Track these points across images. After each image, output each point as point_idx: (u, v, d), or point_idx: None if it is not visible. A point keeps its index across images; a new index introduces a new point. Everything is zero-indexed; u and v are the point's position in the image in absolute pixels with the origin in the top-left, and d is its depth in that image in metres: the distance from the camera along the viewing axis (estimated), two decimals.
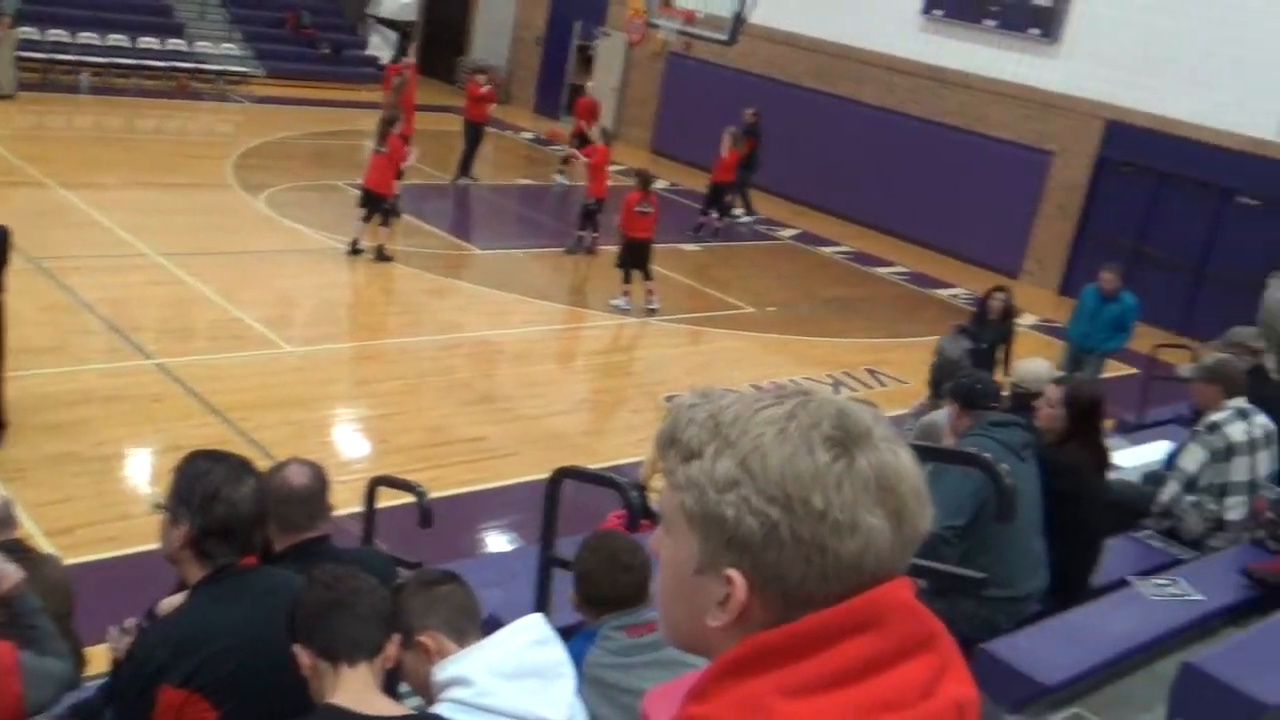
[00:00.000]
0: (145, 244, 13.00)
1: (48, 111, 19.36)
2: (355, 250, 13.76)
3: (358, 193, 14.27)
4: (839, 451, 1.13)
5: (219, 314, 11.47)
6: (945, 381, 6.57)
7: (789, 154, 19.13)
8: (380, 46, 26.28)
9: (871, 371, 12.33)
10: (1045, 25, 16.93)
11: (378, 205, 13.86)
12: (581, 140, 17.83)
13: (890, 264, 17.48)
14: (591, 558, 3.38)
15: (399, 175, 14.42)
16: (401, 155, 14.17)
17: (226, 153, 18.04)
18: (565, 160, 19.17)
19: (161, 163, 17.12)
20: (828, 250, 17.88)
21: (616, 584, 3.29)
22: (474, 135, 18.36)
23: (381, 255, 13.79)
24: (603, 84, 23.99)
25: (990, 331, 10.47)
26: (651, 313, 13.30)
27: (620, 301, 13.37)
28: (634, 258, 13.35)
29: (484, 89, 18.29)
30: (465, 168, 18.34)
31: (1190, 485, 6.05)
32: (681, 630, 1.24)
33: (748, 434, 1.16)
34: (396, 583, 2.89)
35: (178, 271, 12.38)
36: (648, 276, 13.43)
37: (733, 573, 1.14)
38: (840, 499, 1.12)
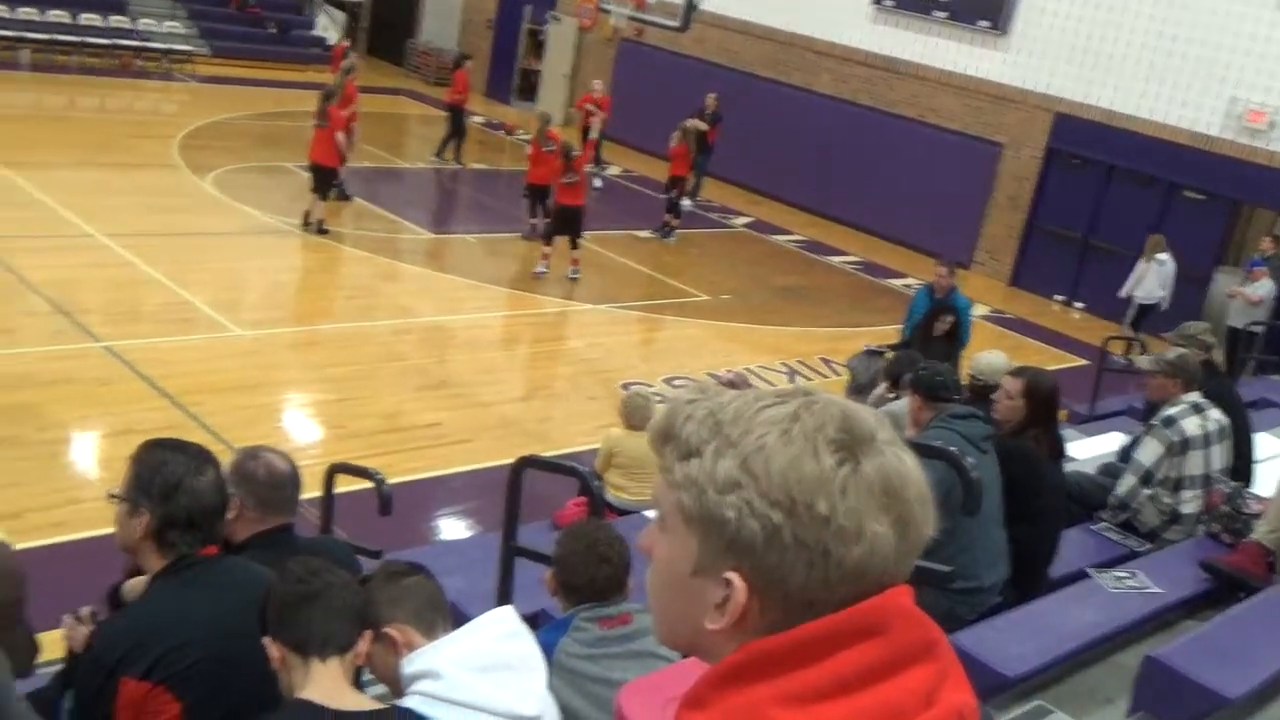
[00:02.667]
0: (91, 225, 12.77)
1: None
2: (308, 224, 13.77)
3: (308, 174, 14.13)
4: (844, 456, 1.11)
5: (167, 296, 11.29)
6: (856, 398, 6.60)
7: (743, 142, 19.15)
8: (328, 27, 25.97)
9: (825, 360, 12.39)
10: (994, 17, 17.06)
11: (327, 179, 13.82)
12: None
13: (842, 253, 17.56)
14: (571, 545, 3.37)
15: (343, 158, 14.35)
16: (340, 125, 14.08)
17: (172, 132, 17.75)
18: (598, 161, 19.16)
19: (106, 142, 16.82)
20: (781, 239, 17.93)
21: (593, 575, 3.27)
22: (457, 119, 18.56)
23: (320, 229, 13.82)
24: (553, 70, 23.88)
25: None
26: (573, 282, 13.61)
27: (540, 268, 13.71)
28: (563, 224, 13.61)
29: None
30: (445, 149, 18.52)
31: (1147, 479, 6.13)
32: (676, 631, 1.22)
33: (750, 434, 1.13)
34: (361, 574, 2.85)
35: (124, 253, 12.17)
36: (574, 245, 13.67)
37: (732, 575, 1.12)
38: (846, 505, 1.10)
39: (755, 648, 1.11)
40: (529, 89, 24.66)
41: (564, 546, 3.40)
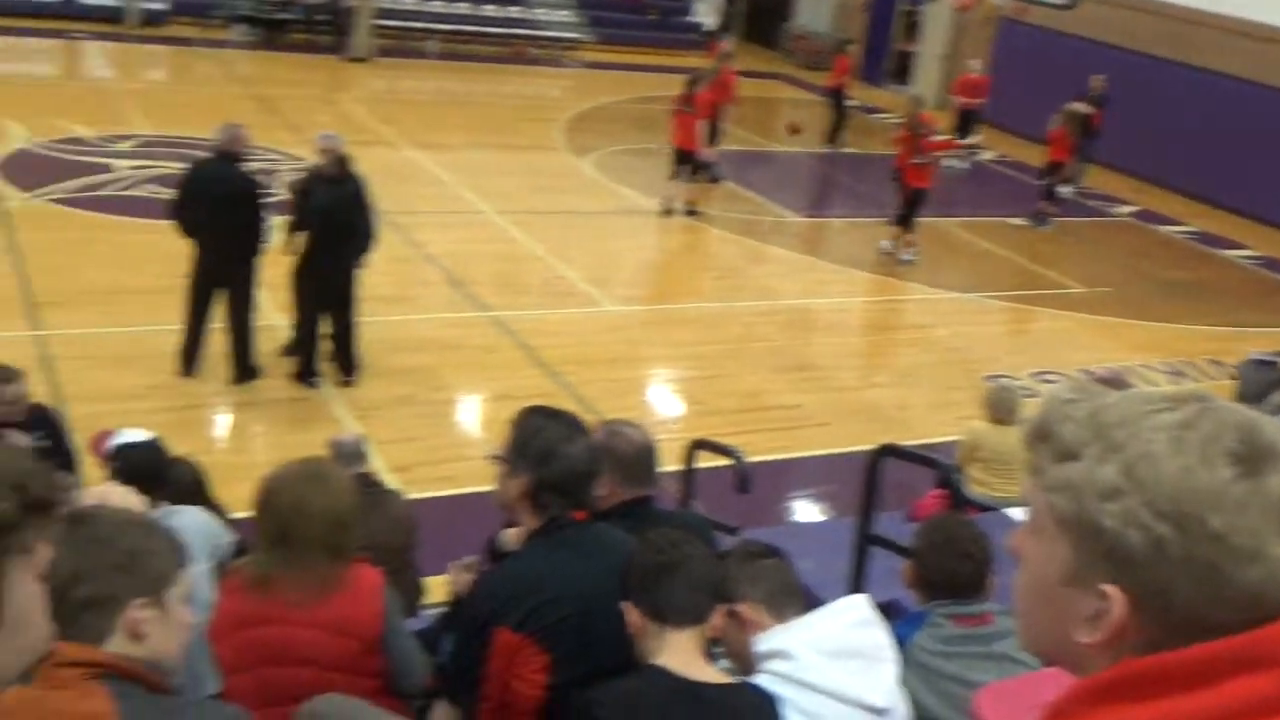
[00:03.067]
0: (484, 202, 13.73)
1: (399, 76, 20.70)
2: (671, 210, 14.16)
3: (675, 159, 14.55)
4: (1245, 469, 1.02)
5: (548, 271, 11.97)
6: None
7: (1131, 127, 17.94)
8: (706, 13, 26.53)
9: (1215, 362, 11.46)
10: None
11: (691, 162, 14.18)
12: (965, 120, 17.50)
13: (1240, 246, 16.15)
14: (932, 539, 3.30)
15: (714, 140, 14.66)
16: (706, 111, 14.35)
17: (557, 116, 18.74)
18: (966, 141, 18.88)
19: (498, 125, 17.99)
20: (1169, 229, 16.72)
21: (953, 570, 3.19)
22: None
23: (689, 210, 14.13)
24: (929, 51, 23.31)
25: None
26: (907, 264, 13.42)
27: (907, 254, 13.56)
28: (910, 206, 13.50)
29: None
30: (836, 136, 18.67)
31: None
32: (1042, 640, 1.16)
33: (1137, 439, 1.06)
34: (720, 550, 2.91)
35: (511, 229, 13.00)
36: (909, 229, 13.49)
37: (1110, 589, 1.05)
38: (1244, 523, 1.01)
39: (1132, 667, 1.04)
40: (902, 71, 24.21)
41: (924, 540, 3.33)
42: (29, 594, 1.17)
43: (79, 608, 1.90)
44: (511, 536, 3.50)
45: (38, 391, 6.45)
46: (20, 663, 1.18)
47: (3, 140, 13.68)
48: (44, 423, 5.97)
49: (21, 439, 5.75)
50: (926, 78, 22.84)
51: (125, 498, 2.19)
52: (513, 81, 21.53)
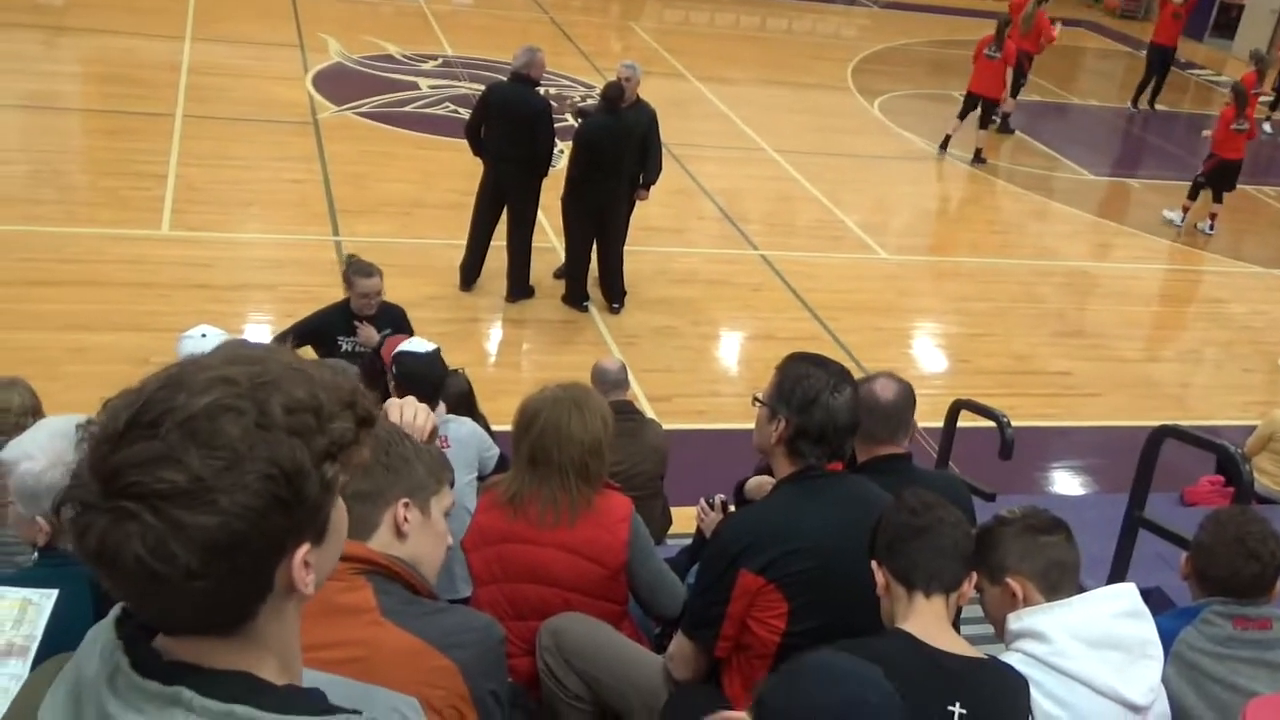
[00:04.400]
0: (763, 139, 13.64)
1: (694, 7, 20.74)
2: (979, 159, 13.77)
3: (971, 105, 14.03)
4: None
5: (821, 213, 11.80)
6: None
7: None
8: None
9: None
10: None
11: (988, 110, 13.69)
12: None
13: None
14: (1217, 533, 3.07)
15: (1015, 90, 14.06)
16: (1011, 58, 13.80)
17: (848, 56, 18.37)
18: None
19: (787, 62, 17.78)
20: None
21: (1237, 569, 2.97)
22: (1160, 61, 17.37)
23: (976, 158, 13.77)
24: (1261, 4, 21.48)
25: None
26: (1205, 236, 12.61)
27: (1174, 215, 12.82)
28: (1218, 176, 12.56)
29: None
30: (1142, 96, 17.55)
31: None
32: None
33: None
34: (1000, 515, 2.78)
35: (789, 168, 12.87)
36: (1218, 199, 12.60)
37: None
38: None
39: None
40: (1229, 25, 22.41)
41: (1209, 533, 3.10)
42: (341, 506, 1.24)
43: (350, 499, 2.00)
44: (763, 484, 3.49)
45: (329, 294, 6.87)
46: (332, 568, 1.25)
47: (320, 54, 14.54)
48: (393, 320, 6.41)
49: (371, 333, 6.23)
50: (1256, 32, 21.07)
51: (422, 411, 2.30)
52: (807, 18, 21.20)
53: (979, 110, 13.93)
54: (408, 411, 2.26)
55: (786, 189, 12.37)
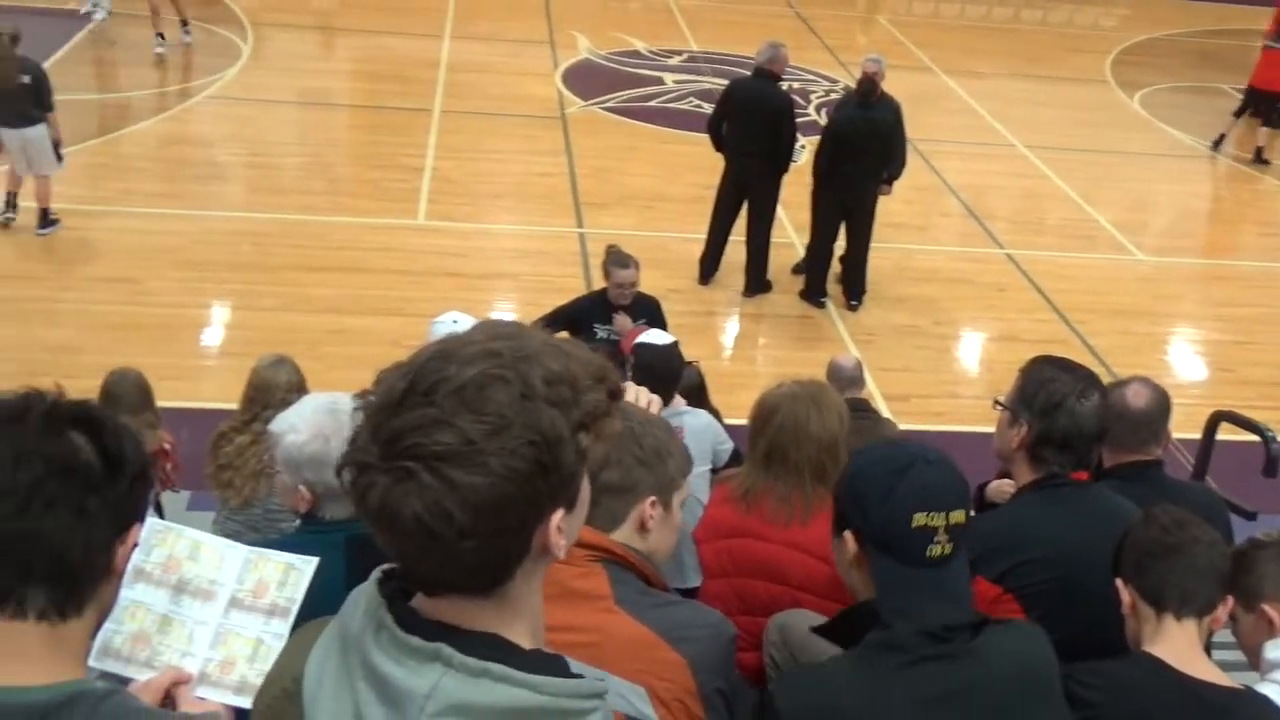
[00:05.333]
0: (1013, 135, 13.20)
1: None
2: (1261, 159, 13.00)
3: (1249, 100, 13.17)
4: None
5: (1072, 212, 11.34)
6: None
7: None
8: None
9: None
10: None
11: (1270, 104, 12.79)
12: None
13: None
14: None
15: None
16: None
17: (1108, 48, 17.56)
18: None
19: (1040, 55, 17.14)
20: None
21: None
22: None
23: (1257, 158, 12.94)
24: None
25: None
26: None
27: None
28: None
29: None
30: None
31: None
32: None
33: None
34: (1255, 538, 2.62)
35: (1039, 164, 12.41)
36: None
37: None
38: None
39: None
40: None
41: None
42: (585, 478, 1.30)
43: (601, 491, 2.05)
44: (1003, 487, 3.38)
45: (570, 285, 7.06)
46: (574, 539, 1.31)
47: (569, 50, 14.93)
48: (647, 310, 6.58)
49: (626, 321, 6.40)
50: None
51: (655, 402, 2.34)
52: (1063, 9, 20.34)
53: (1259, 106, 12.99)
54: (641, 400, 2.30)
55: (1035, 186, 11.94)
